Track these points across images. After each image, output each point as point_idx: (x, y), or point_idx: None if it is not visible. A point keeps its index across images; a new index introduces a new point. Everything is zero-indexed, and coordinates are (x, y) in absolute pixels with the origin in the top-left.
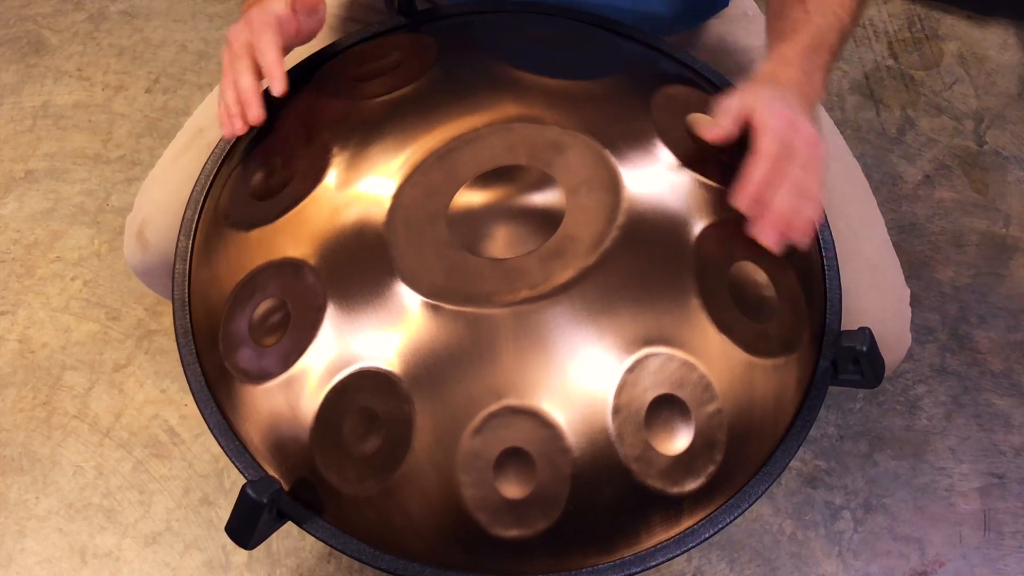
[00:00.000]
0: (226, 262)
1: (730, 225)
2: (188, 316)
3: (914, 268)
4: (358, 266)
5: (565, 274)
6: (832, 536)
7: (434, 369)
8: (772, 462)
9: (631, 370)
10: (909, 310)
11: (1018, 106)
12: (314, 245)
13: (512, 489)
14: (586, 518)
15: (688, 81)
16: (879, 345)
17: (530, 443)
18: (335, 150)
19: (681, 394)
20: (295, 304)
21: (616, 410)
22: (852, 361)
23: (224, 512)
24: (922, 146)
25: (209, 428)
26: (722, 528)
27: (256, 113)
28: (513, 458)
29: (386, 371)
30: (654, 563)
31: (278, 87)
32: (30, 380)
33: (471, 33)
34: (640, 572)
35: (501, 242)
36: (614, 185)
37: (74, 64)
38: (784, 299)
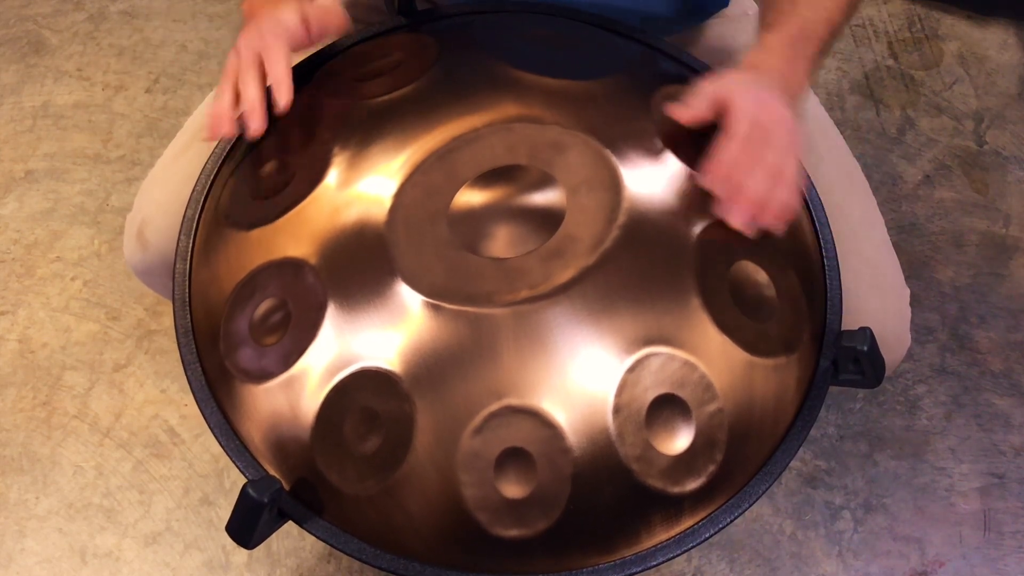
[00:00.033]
0: (226, 261)
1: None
2: (189, 315)
3: (914, 268)
4: (359, 266)
5: (566, 274)
6: (832, 536)
7: (435, 369)
8: (772, 462)
9: (632, 370)
10: (909, 310)
11: (1018, 106)
12: (315, 245)
13: (512, 489)
14: (586, 518)
15: (688, 81)
16: (879, 345)
17: (531, 443)
18: (336, 150)
19: (682, 394)
20: (296, 304)
21: (617, 410)
22: (853, 361)
23: (224, 512)
24: (922, 146)
25: (210, 427)
26: (722, 528)
27: (257, 126)
28: (514, 458)
29: (387, 371)
30: (654, 563)
31: (284, 99)
32: (30, 380)
33: (471, 33)
34: (640, 572)
35: (502, 242)
36: (614, 185)
37: (74, 64)
38: (784, 299)
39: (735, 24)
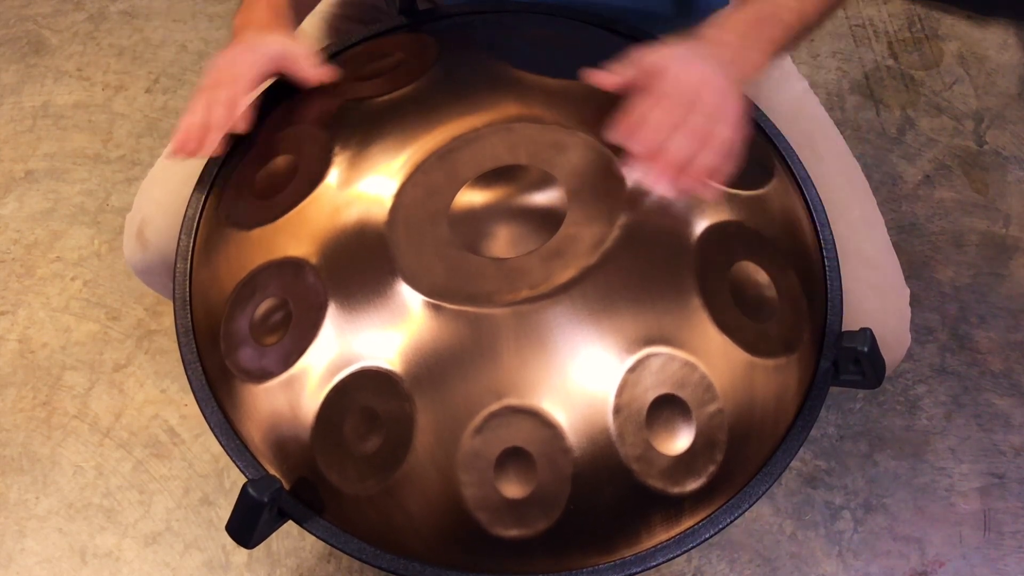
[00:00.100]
0: (227, 261)
1: (732, 225)
2: (189, 315)
3: (914, 268)
4: (359, 265)
5: (566, 274)
6: (832, 536)
7: (435, 368)
8: (773, 462)
9: (632, 370)
10: (909, 310)
11: (1018, 106)
12: (315, 244)
13: (513, 489)
14: (586, 518)
15: None
16: (879, 345)
17: (531, 443)
18: (336, 149)
19: (682, 394)
20: (296, 303)
21: (617, 410)
22: (853, 361)
23: (224, 512)
24: (922, 146)
25: (210, 427)
26: (723, 528)
27: (210, 148)
28: (514, 458)
29: (387, 370)
30: (654, 563)
31: (241, 127)
32: (30, 380)
33: (471, 33)
34: (640, 572)
35: (502, 242)
36: (615, 184)
37: (74, 64)
38: (785, 299)
39: None
